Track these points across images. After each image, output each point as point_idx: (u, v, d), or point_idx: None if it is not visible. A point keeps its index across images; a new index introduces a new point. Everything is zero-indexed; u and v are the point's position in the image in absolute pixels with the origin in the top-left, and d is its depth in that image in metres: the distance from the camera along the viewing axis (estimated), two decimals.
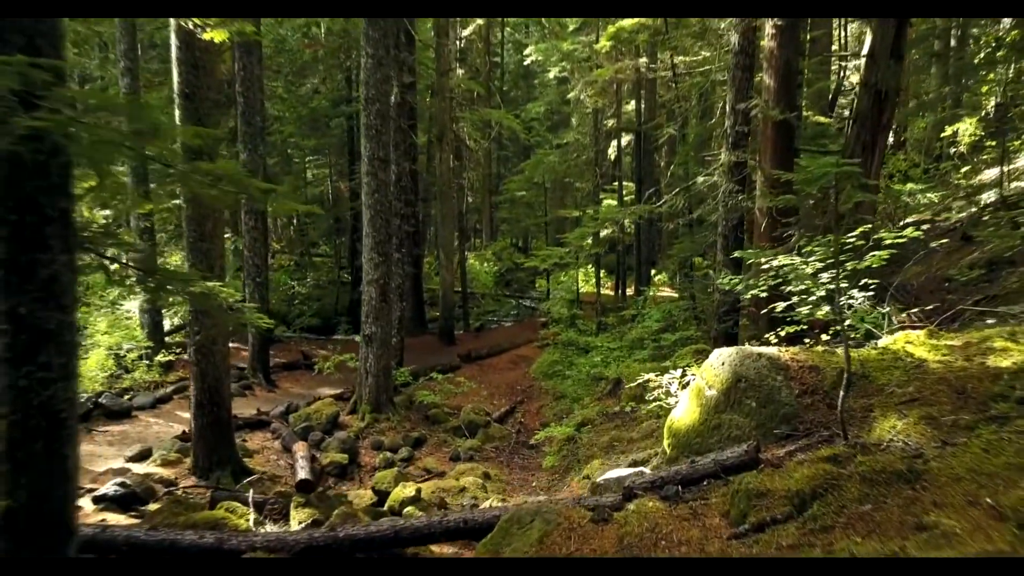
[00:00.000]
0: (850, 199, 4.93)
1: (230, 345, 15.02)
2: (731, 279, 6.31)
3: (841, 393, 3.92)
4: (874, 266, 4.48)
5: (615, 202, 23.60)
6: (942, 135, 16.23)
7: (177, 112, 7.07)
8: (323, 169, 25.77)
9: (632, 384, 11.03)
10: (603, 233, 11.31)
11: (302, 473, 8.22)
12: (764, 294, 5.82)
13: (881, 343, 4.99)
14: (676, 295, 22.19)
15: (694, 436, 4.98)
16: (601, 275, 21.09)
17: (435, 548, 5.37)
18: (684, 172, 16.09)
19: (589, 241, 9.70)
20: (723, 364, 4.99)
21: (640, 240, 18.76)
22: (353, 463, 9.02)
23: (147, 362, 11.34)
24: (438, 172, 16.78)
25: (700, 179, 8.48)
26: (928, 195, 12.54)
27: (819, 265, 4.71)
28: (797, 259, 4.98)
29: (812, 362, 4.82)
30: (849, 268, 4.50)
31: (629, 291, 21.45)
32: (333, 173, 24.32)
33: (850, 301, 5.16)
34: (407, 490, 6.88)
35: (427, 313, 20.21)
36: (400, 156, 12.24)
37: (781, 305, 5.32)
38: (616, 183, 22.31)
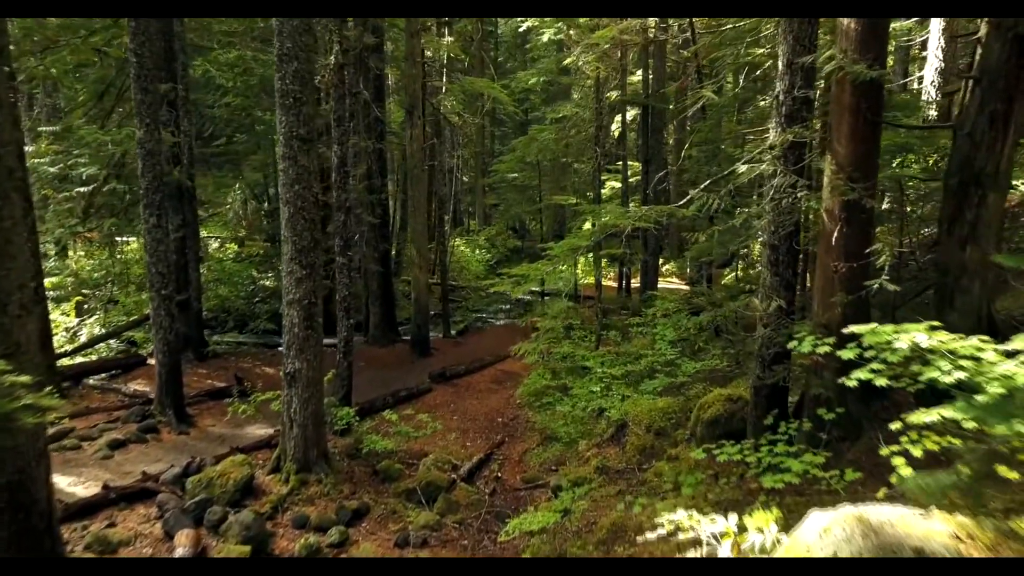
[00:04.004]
0: None
1: (151, 362, 12.62)
2: (816, 342, 3.83)
3: None
4: None
5: (619, 184, 20.94)
6: None
7: None
8: None
9: (639, 430, 8.65)
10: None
11: None
12: (884, 381, 3.34)
13: None
14: (686, 286, 19.70)
15: None
16: (602, 264, 18.60)
17: None
18: (701, 153, 13.49)
19: (582, 258, 7.12)
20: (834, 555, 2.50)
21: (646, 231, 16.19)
22: (260, 554, 6.63)
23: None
24: (408, 151, 14.16)
25: (742, 168, 5.85)
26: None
27: None
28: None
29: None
30: None
31: (635, 282, 18.98)
32: None
33: None
34: None
35: (405, 310, 17.68)
36: (342, 132, 9.62)
37: (924, 415, 2.90)
38: (620, 163, 19.67)
